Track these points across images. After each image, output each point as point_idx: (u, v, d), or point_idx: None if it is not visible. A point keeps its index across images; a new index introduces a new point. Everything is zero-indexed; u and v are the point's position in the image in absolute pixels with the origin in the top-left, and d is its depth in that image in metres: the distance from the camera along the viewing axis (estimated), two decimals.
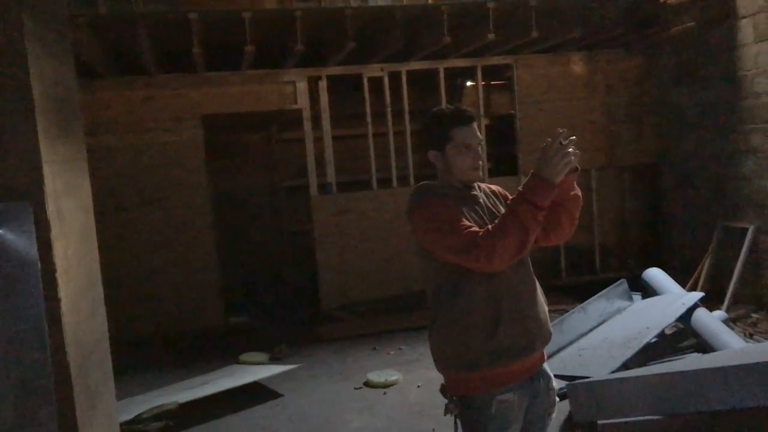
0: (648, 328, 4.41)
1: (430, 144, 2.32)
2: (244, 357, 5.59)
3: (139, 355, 5.97)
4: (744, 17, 5.93)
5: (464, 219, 2.16)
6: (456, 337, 2.21)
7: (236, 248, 8.48)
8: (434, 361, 2.32)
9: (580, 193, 2.28)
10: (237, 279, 8.10)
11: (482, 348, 2.17)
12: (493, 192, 2.42)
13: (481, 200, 2.32)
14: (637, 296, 5.23)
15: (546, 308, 2.34)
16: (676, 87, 7.04)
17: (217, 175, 8.60)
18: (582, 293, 6.42)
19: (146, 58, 5.69)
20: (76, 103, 3.10)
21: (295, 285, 7.90)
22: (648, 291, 5.22)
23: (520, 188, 2.10)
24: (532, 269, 2.34)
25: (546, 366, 2.37)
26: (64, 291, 2.37)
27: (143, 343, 6.27)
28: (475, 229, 2.12)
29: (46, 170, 2.34)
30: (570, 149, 2.02)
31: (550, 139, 2.04)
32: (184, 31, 5.37)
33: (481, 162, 2.30)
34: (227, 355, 5.73)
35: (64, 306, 2.35)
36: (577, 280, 7.32)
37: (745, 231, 5.91)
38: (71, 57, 3.07)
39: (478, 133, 2.30)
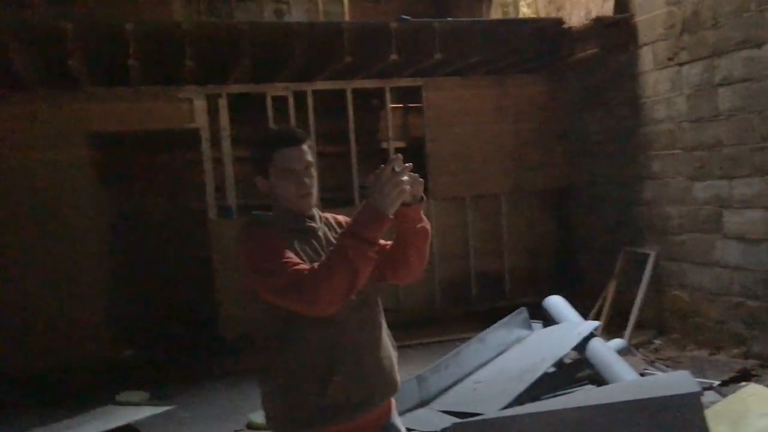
0: (543, 359, 4.24)
1: (255, 168, 2.05)
2: (121, 396, 5.12)
3: (11, 392, 5.44)
4: (644, 44, 5.98)
5: (291, 254, 1.89)
6: (285, 392, 1.93)
7: (135, 275, 7.98)
8: (265, 418, 2.03)
9: (428, 226, 2.04)
10: (132, 309, 7.59)
11: (314, 404, 1.90)
12: (338, 223, 2.15)
13: (320, 233, 2.06)
14: (537, 324, 5.08)
15: (393, 354, 2.08)
16: (582, 112, 7.07)
17: (119, 197, 8.11)
18: (493, 320, 6.28)
19: (20, 70, 5.23)
20: None
21: (197, 314, 7.45)
22: (549, 319, 5.09)
23: (349, 220, 1.85)
24: (379, 309, 2.08)
25: (396, 420, 2.11)
26: None
27: (21, 379, 5.69)
28: (303, 266, 1.84)
29: None
30: (404, 177, 1.78)
31: (383, 165, 1.79)
32: (59, 42, 4.97)
33: (311, 189, 2.02)
34: (108, 392, 5.25)
35: None
36: (488, 306, 7.17)
37: (647, 257, 5.89)
38: None
39: (308, 156, 2.02)
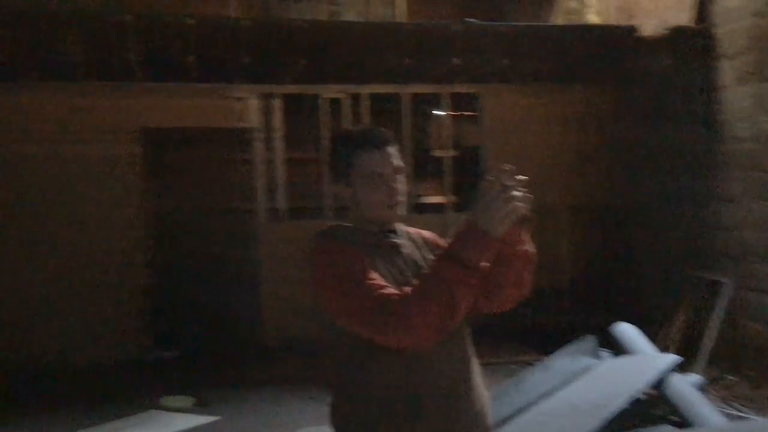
0: (617, 393, 3.92)
1: (334, 175, 1.79)
2: (165, 401, 4.96)
3: (50, 390, 5.35)
4: (724, 57, 5.61)
5: (375, 275, 1.61)
6: None
7: (176, 274, 7.85)
8: None
9: (533, 249, 1.74)
10: (171, 308, 7.46)
11: None
12: (425, 240, 1.86)
13: (404, 251, 1.77)
14: (605, 353, 4.76)
15: (486, 396, 1.79)
16: (649, 126, 6.70)
17: (165, 193, 7.99)
18: (545, 340, 6.00)
19: (77, 62, 5.10)
20: None
21: (237, 317, 7.28)
22: (618, 348, 4.75)
23: (448, 239, 1.58)
24: (469, 342, 1.79)
25: None
26: None
27: (55, 376, 5.59)
28: (390, 290, 1.57)
29: None
30: (517, 193, 1.51)
31: (490, 178, 1.51)
32: (118, 34, 4.83)
33: (400, 197, 1.74)
34: (149, 394, 5.10)
35: None
36: (540, 325, 6.86)
37: (719, 284, 5.51)
38: None
39: (397, 160, 1.74)
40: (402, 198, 1.75)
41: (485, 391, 1.82)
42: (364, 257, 1.66)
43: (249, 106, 6.27)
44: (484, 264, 1.54)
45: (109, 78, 5.85)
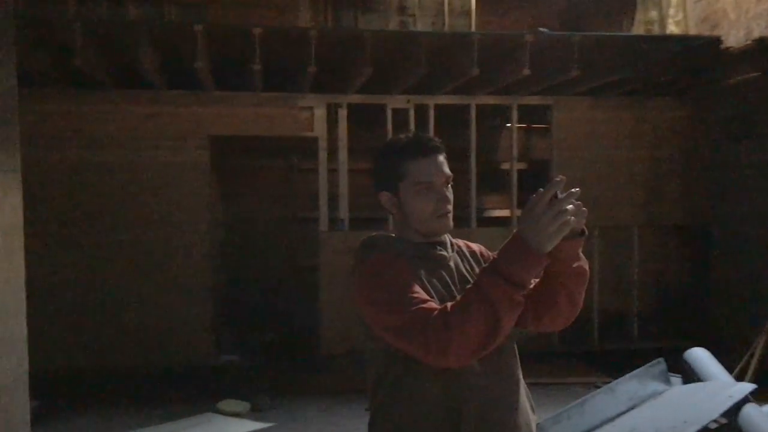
0: (685, 422, 3.66)
1: (381, 182, 1.72)
2: (222, 405, 5.01)
3: (116, 389, 5.52)
4: None
5: (418, 288, 1.54)
6: None
7: (241, 280, 7.98)
8: None
9: (586, 266, 1.62)
10: (235, 313, 7.57)
11: None
12: (472, 253, 1.78)
13: (451, 263, 1.69)
14: (676, 378, 4.47)
15: (532, 418, 1.68)
16: (732, 142, 6.32)
17: (229, 200, 8.18)
18: (614, 364, 5.74)
19: (148, 70, 5.26)
20: (12, 110, 2.66)
21: (298, 325, 7.31)
22: (689, 374, 4.45)
23: (494, 254, 1.48)
24: (516, 360, 1.69)
25: None
26: None
27: (122, 375, 5.78)
28: (432, 305, 1.49)
29: None
30: (569, 206, 1.40)
31: (541, 190, 1.41)
32: (189, 43, 4.95)
33: (449, 207, 1.67)
34: (208, 398, 5.17)
35: None
36: (609, 348, 6.57)
37: None
38: (10, 58, 2.64)
39: (446, 169, 1.68)
40: (451, 207, 1.69)
41: (532, 412, 1.71)
42: (408, 269, 1.60)
43: (315, 116, 6.30)
44: (530, 280, 1.45)
45: (180, 86, 6.04)
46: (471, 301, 1.43)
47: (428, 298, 1.53)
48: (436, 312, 1.46)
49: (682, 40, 6.11)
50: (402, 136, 1.75)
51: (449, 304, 1.47)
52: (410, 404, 1.57)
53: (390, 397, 1.61)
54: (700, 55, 5.99)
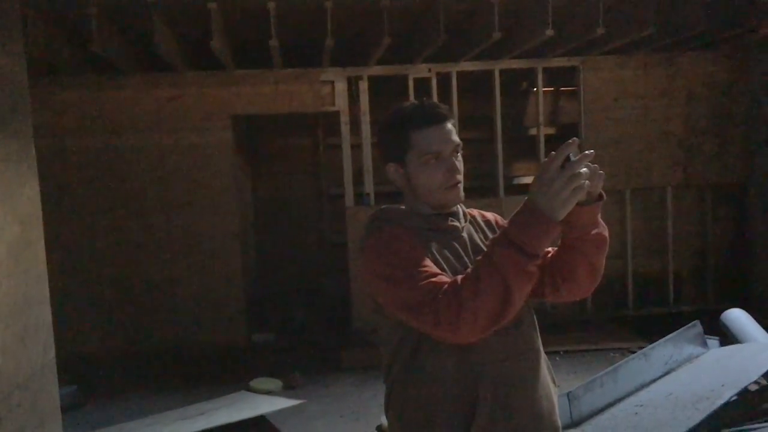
0: (723, 385, 3.56)
1: (387, 154, 1.66)
2: (255, 383, 5.06)
3: (149, 370, 5.63)
4: None
5: (428, 262, 1.49)
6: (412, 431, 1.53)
7: (274, 258, 8.05)
8: None
9: (606, 233, 1.54)
10: (268, 292, 7.64)
11: None
12: (487, 222, 1.72)
13: (464, 234, 1.64)
14: (713, 341, 4.35)
15: (553, 391, 1.62)
16: None
17: (259, 179, 8.22)
18: (651, 328, 5.65)
19: (167, 51, 5.24)
20: (23, 99, 2.66)
21: (331, 301, 7.35)
22: (727, 336, 4.33)
23: (505, 222, 1.42)
24: (535, 332, 1.63)
25: None
26: None
27: (157, 357, 5.88)
28: (442, 278, 1.44)
29: None
30: (583, 169, 1.32)
31: (553, 153, 1.34)
32: (203, 22, 4.91)
33: (459, 177, 1.60)
34: (241, 377, 5.24)
35: None
36: (645, 312, 6.44)
37: None
38: (18, 47, 2.64)
39: (455, 137, 1.60)
40: (461, 177, 1.62)
41: (554, 388, 1.65)
42: (418, 242, 1.55)
43: (336, 90, 6.24)
44: (543, 250, 1.38)
45: (199, 67, 6.03)
46: (482, 274, 1.37)
47: (438, 271, 1.49)
48: (446, 285, 1.41)
49: None
50: (406, 104, 1.68)
51: (459, 277, 1.42)
52: (425, 380, 1.53)
53: (404, 373, 1.57)
54: (733, 4, 5.71)
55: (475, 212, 1.75)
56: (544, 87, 6.76)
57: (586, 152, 1.34)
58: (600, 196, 1.47)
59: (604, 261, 1.59)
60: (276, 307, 7.33)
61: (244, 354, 5.99)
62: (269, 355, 5.91)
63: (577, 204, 1.38)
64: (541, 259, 1.43)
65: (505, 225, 1.41)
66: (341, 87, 6.26)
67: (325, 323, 6.92)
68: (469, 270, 1.43)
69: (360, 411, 4.50)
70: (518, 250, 1.34)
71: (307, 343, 6.26)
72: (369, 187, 6.33)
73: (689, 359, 4.13)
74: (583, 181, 1.32)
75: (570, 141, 1.35)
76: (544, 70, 6.53)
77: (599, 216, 1.52)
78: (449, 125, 1.61)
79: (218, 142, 6.13)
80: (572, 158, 1.34)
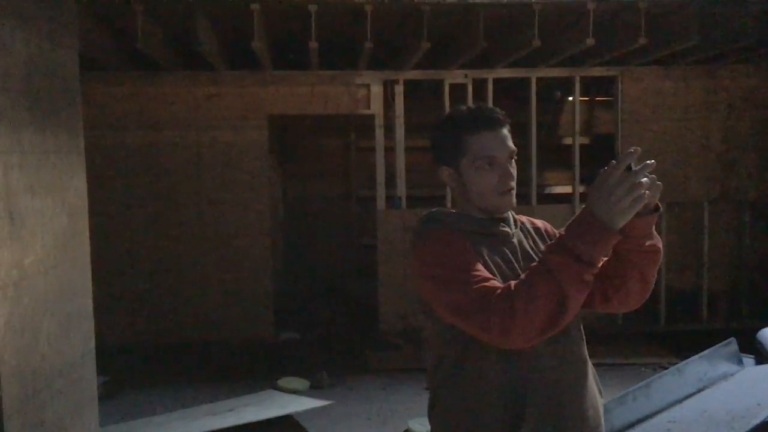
0: (759, 404, 3.48)
1: (440, 156, 1.65)
2: (282, 382, 5.09)
3: (177, 364, 5.69)
4: None
5: (480, 266, 1.48)
6: None
7: (302, 258, 8.09)
8: None
9: (660, 244, 1.53)
10: (296, 291, 7.68)
11: None
12: (536, 229, 1.71)
13: (514, 240, 1.63)
14: (748, 359, 4.26)
15: (599, 400, 1.60)
16: None
17: (289, 179, 8.28)
18: (682, 344, 5.57)
19: (207, 50, 5.31)
20: (75, 92, 2.71)
21: (358, 303, 7.36)
22: (763, 355, 4.24)
23: (562, 230, 1.41)
24: (582, 341, 1.62)
25: None
26: (5, 309, 1.92)
27: (185, 350, 5.95)
28: (495, 283, 1.44)
29: None
30: (644, 179, 1.31)
31: (613, 162, 1.33)
32: (245, 22, 4.96)
33: (512, 183, 1.60)
34: (269, 374, 5.29)
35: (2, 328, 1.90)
36: (677, 328, 6.34)
37: None
38: (73, 41, 2.70)
39: (510, 143, 1.60)
40: (514, 184, 1.62)
41: (600, 397, 1.63)
42: (470, 246, 1.54)
43: (371, 93, 6.26)
44: (600, 259, 1.37)
45: (239, 67, 6.09)
46: (536, 280, 1.36)
47: (491, 276, 1.48)
48: (499, 290, 1.41)
49: (763, 1, 5.73)
50: (463, 107, 1.68)
51: (513, 283, 1.41)
52: (472, 387, 1.52)
53: (450, 378, 1.56)
54: None
55: (525, 219, 1.74)
56: (582, 96, 6.71)
57: (648, 162, 1.33)
58: (656, 207, 1.45)
59: (656, 274, 1.57)
60: (301, 307, 7.37)
61: (270, 351, 6.02)
62: (295, 354, 5.94)
63: (635, 215, 1.37)
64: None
65: (561, 232, 1.40)
66: (377, 90, 6.28)
67: (350, 325, 6.93)
68: (522, 276, 1.43)
69: (387, 414, 4.50)
70: (575, 258, 1.33)
71: (335, 344, 6.28)
72: (401, 190, 6.34)
73: (724, 377, 4.05)
74: (643, 191, 1.31)
75: (631, 150, 1.34)
76: (581, 79, 6.48)
77: (654, 228, 1.50)
78: (505, 131, 1.62)
79: (253, 140, 6.19)
80: (633, 167, 1.32)
